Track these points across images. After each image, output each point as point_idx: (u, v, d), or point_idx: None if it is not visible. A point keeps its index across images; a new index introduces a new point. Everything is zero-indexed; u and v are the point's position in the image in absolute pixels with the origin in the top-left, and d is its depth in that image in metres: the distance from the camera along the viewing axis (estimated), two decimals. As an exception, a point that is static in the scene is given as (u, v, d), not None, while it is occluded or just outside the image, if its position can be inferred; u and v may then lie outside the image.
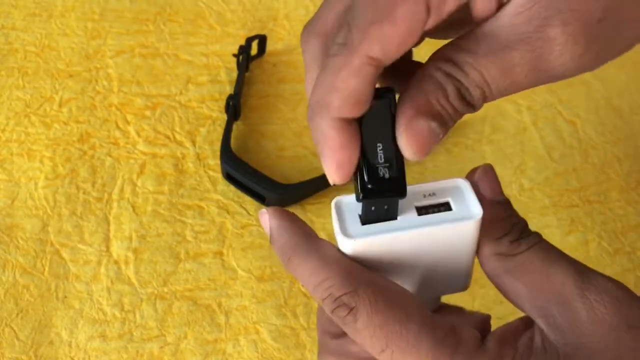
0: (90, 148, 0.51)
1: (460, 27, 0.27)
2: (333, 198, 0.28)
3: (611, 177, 0.53)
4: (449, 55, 0.25)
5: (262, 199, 0.49)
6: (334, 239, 0.28)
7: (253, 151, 0.52)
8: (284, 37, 0.60)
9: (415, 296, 0.27)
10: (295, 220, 0.28)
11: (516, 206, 0.29)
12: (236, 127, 0.53)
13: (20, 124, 0.52)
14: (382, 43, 0.23)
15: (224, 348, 0.43)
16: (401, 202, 0.27)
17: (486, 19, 0.25)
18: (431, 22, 0.24)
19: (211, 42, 0.58)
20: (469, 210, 0.27)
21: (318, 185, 0.49)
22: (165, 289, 0.45)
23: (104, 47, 0.57)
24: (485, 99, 0.25)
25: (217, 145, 0.52)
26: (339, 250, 0.27)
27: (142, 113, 0.53)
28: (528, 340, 0.26)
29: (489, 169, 0.28)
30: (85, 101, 0.54)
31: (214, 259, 0.47)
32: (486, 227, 0.27)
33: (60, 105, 0.53)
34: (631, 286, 0.47)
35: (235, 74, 0.55)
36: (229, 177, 0.50)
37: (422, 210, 0.27)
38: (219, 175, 0.50)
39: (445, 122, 0.25)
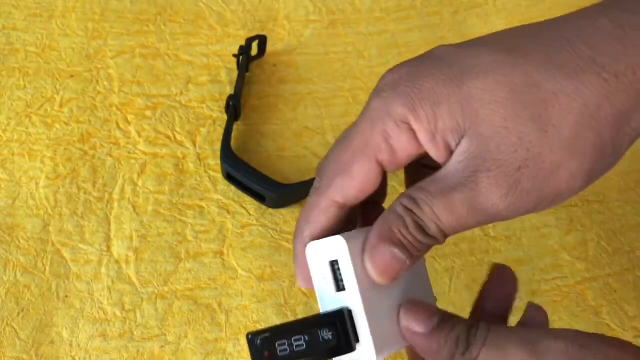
0: (91, 148, 0.51)
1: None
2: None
3: (610, 176, 0.53)
4: (410, 193, 0.29)
5: (262, 199, 0.49)
6: None
7: (253, 151, 0.53)
8: (284, 38, 0.60)
9: None
10: None
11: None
12: (236, 127, 0.53)
13: (21, 124, 0.52)
14: (343, 191, 0.30)
15: (224, 347, 0.43)
16: (325, 300, 0.30)
17: (443, 164, 0.29)
18: (392, 169, 0.30)
19: (211, 43, 0.59)
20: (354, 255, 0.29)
21: (318, 185, 0.49)
22: (166, 289, 0.45)
23: (105, 47, 0.57)
24: (442, 233, 0.28)
25: (218, 146, 0.52)
26: None
27: (142, 113, 0.54)
28: None
29: (412, 305, 0.30)
30: (86, 101, 0.54)
31: (215, 259, 0.47)
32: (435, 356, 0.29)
33: (61, 106, 0.53)
34: (631, 286, 0.47)
35: (235, 75, 0.56)
36: (229, 177, 0.50)
37: (340, 285, 0.29)
38: (219, 175, 0.51)
39: (408, 250, 0.29)
